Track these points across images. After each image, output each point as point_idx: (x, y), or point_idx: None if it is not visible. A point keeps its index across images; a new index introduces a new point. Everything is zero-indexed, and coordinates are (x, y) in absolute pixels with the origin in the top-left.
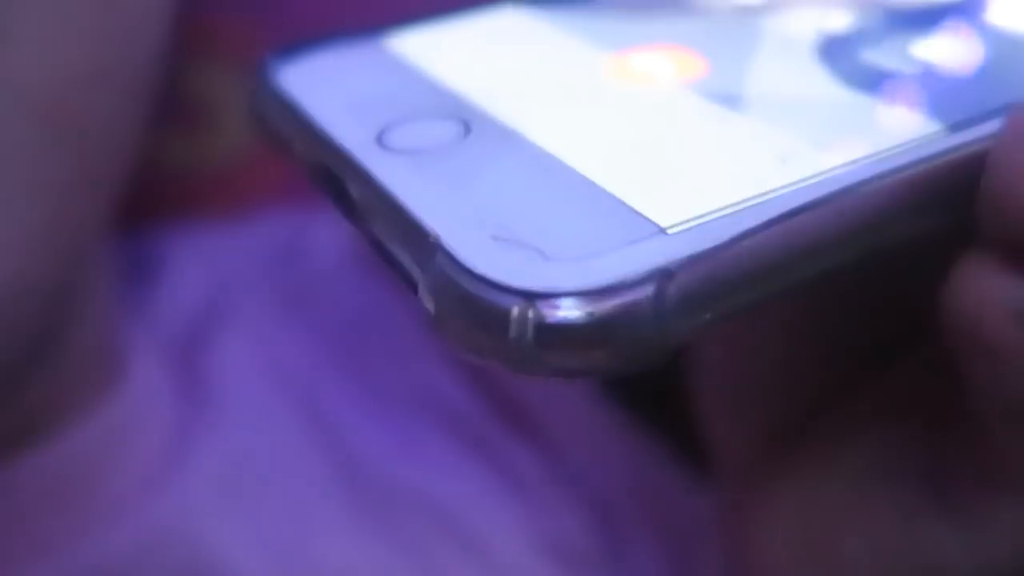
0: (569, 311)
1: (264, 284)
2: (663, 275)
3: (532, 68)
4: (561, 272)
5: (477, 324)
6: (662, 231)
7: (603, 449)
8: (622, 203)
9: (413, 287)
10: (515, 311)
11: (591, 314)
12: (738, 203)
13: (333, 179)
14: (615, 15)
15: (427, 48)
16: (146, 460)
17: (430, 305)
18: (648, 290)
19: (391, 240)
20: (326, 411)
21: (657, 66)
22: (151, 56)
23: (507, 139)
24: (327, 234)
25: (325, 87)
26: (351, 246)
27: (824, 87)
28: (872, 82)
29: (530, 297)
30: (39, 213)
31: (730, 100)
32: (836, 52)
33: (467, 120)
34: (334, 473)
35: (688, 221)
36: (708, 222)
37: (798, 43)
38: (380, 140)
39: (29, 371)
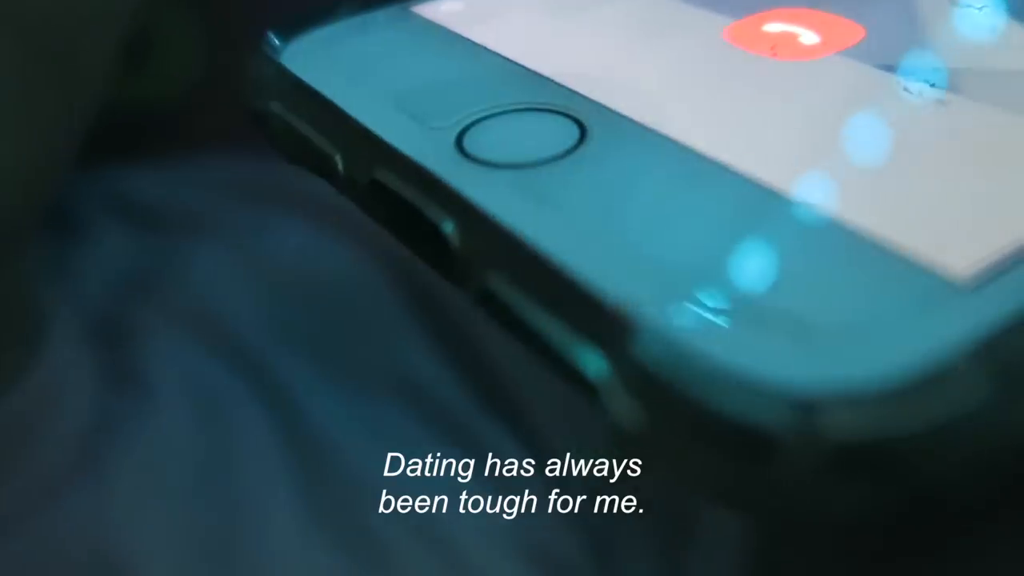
0: (882, 421)
1: (209, 238)
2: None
3: (628, 37)
4: (845, 358)
5: (726, 446)
6: (958, 285)
7: (593, 446)
8: (867, 238)
9: (581, 385)
10: (792, 423)
11: (920, 422)
12: None
13: (397, 204)
14: None
15: (471, 18)
16: (55, 455)
17: (627, 417)
18: (982, 382)
19: (529, 309)
20: (280, 387)
21: (800, 33)
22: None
23: (647, 142)
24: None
25: (355, 73)
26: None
27: None
28: None
29: (812, 400)
30: (25, 142)
31: (930, 75)
32: None
33: (574, 114)
34: (287, 459)
35: (990, 267)
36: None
37: None
38: (462, 147)
39: None
